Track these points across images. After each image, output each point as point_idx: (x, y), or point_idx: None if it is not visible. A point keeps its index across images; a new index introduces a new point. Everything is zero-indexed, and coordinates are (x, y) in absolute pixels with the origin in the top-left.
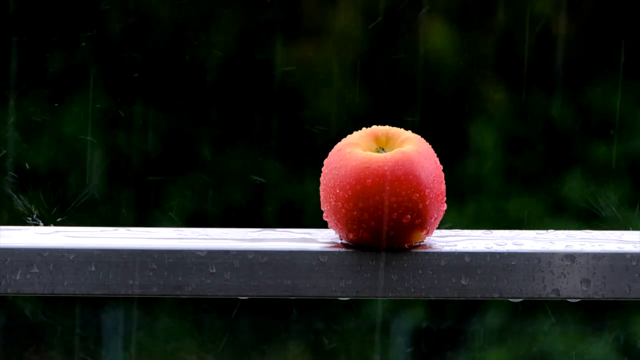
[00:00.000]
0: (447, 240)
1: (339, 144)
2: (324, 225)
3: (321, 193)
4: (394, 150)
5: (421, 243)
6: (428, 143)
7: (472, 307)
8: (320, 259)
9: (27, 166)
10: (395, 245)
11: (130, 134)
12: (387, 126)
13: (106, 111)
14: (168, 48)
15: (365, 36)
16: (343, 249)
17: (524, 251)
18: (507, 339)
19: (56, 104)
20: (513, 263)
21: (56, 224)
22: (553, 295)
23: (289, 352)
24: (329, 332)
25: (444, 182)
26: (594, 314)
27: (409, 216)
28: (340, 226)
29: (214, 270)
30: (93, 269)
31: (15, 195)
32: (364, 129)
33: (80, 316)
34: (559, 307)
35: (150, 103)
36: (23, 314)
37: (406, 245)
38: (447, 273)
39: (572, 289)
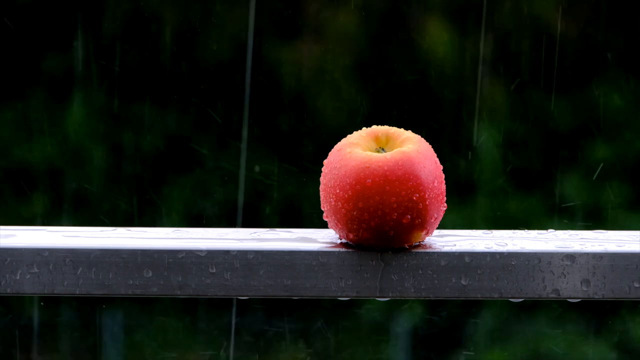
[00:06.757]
0: (447, 240)
1: (339, 144)
2: (324, 225)
3: (321, 193)
4: (394, 150)
5: (421, 243)
6: (428, 143)
7: (472, 307)
8: (320, 259)
9: (27, 166)
10: (395, 245)
11: (130, 134)
12: (387, 126)
13: (106, 111)
14: (168, 47)
15: (365, 36)
16: (343, 249)
17: (524, 251)
18: (507, 339)
19: (56, 104)
20: (513, 263)
21: (56, 224)
22: (553, 295)
23: (289, 352)
24: (328, 332)
25: (444, 182)
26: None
27: (409, 216)
28: (340, 226)
29: (214, 270)
30: (93, 269)
31: (14, 195)
32: (364, 128)
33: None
34: (558, 307)
35: (150, 103)
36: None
37: (406, 245)
38: (447, 273)
39: (572, 289)
